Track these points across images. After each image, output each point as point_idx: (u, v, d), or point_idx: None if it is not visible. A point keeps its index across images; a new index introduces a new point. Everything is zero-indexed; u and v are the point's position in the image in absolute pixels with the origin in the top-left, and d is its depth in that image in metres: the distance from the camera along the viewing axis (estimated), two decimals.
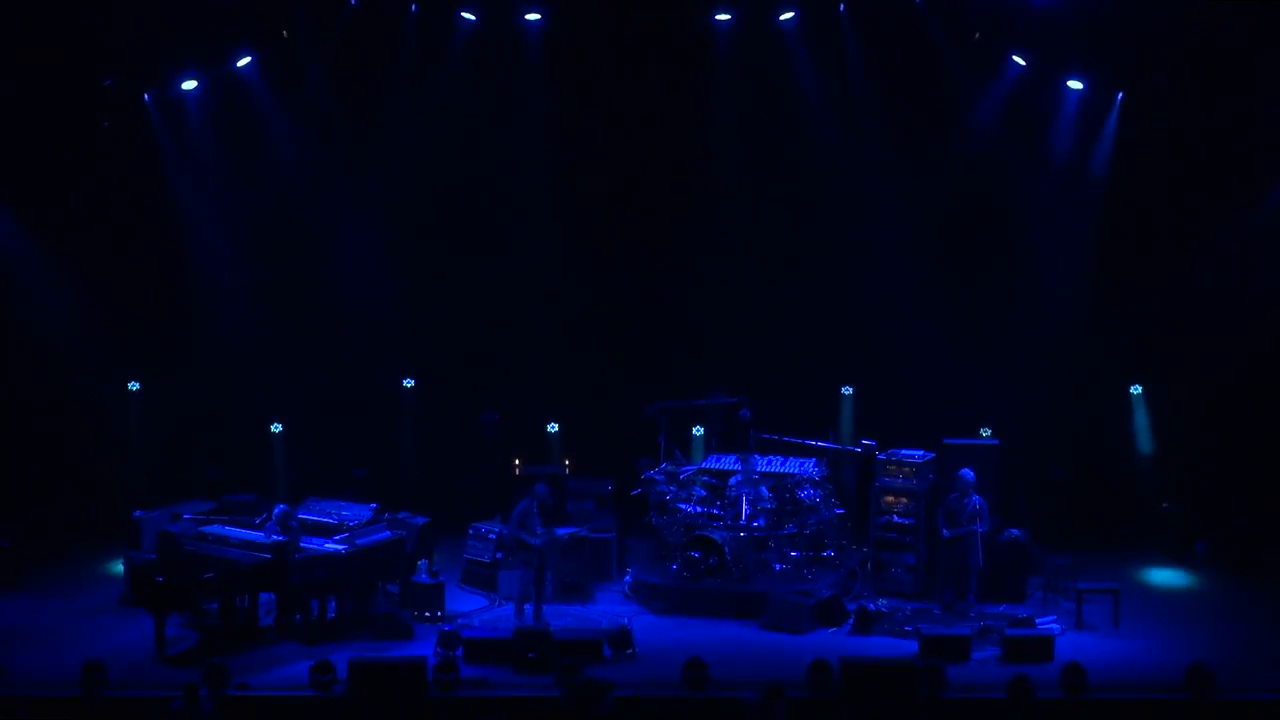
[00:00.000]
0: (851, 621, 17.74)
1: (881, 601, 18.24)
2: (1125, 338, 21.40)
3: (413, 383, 22.91)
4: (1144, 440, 21.80)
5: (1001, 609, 18.02)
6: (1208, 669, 14.17)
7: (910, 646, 16.74)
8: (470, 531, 19.46)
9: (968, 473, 18.30)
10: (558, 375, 22.33)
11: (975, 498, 18.18)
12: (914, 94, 21.69)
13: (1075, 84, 21.22)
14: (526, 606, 17.94)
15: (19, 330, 21.43)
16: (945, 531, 18.18)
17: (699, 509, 19.31)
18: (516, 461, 21.87)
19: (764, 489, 19.22)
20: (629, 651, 16.64)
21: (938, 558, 18.65)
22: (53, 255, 21.38)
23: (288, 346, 22.18)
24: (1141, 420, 21.82)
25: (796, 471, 19.63)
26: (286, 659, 16.44)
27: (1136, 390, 21.82)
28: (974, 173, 21.68)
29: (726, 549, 18.61)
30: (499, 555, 18.90)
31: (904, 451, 19.54)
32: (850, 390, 22.38)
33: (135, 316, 21.79)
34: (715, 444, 21.20)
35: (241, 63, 21.45)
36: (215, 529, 17.84)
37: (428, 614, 17.81)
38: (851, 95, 21.87)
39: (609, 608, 18.54)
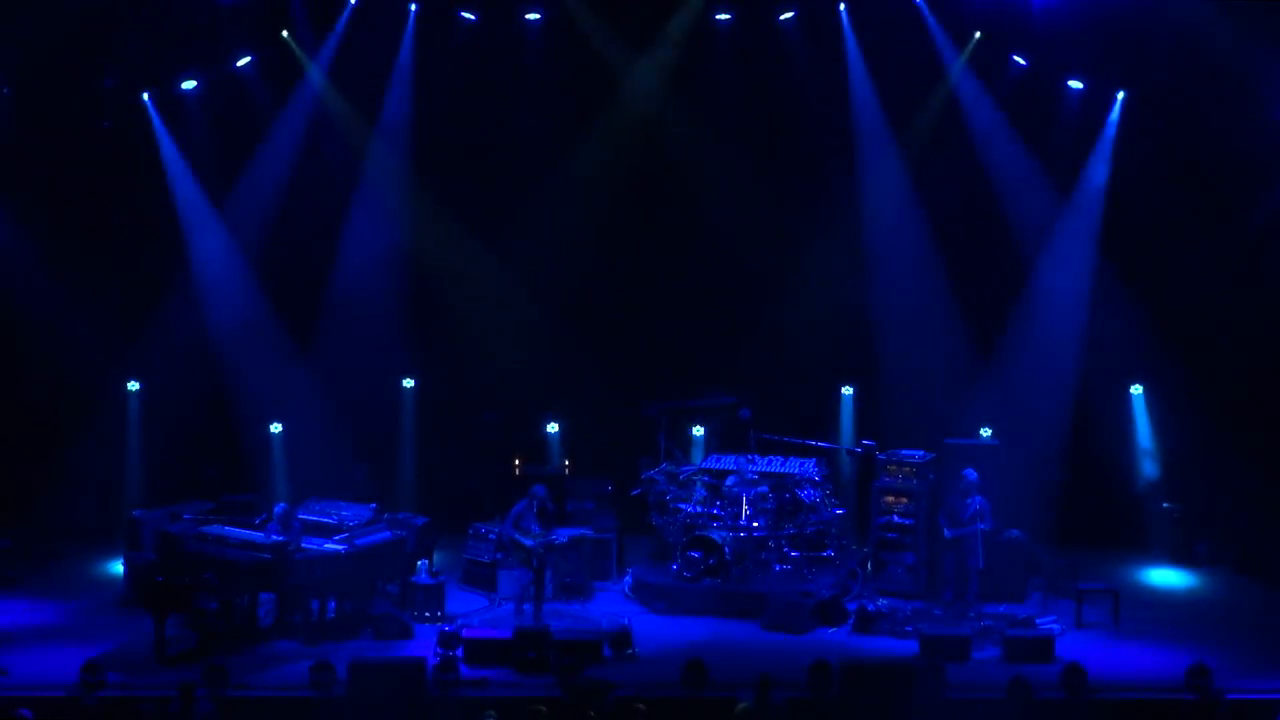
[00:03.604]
0: (851, 621, 17.74)
1: (881, 601, 18.24)
2: (1125, 338, 21.39)
3: (413, 383, 22.91)
4: (1145, 440, 21.80)
5: (1001, 609, 18.01)
6: (1208, 669, 14.20)
7: (910, 646, 16.74)
8: (470, 531, 19.46)
9: (971, 473, 18.30)
10: (558, 375, 22.31)
11: (977, 498, 18.18)
12: (914, 93, 21.69)
13: (1075, 84, 21.22)
14: (526, 606, 17.94)
15: (19, 330, 21.40)
16: (947, 532, 18.19)
17: (699, 509, 19.30)
18: (516, 461, 21.87)
19: (763, 488, 19.21)
20: (629, 651, 16.63)
21: (939, 558, 18.65)
22: (53, 255, 21.36)
23: (288, 346, 22.17)
24: (1142, 420, 21.82)
25: (796, 471, 19.63)
26: (286, 659, 16.43)
27: (1137, 390, 21.82)
28: (974, 172, 21.66)
29: (726, 549, 18.61)
30: (499, 555, 18.89)
31: (904, 451, 19.53)
32: (850, 390, 22.38)
33: (135, 316, 21.77)
34: (715, 444, 21.20)
35: (241, 63, 21.45)
36: (215, 529, 17.82)
37: (428, 614, 17.79)
38: (851, 95, 21.84)
39: (609, 608, 18.53)
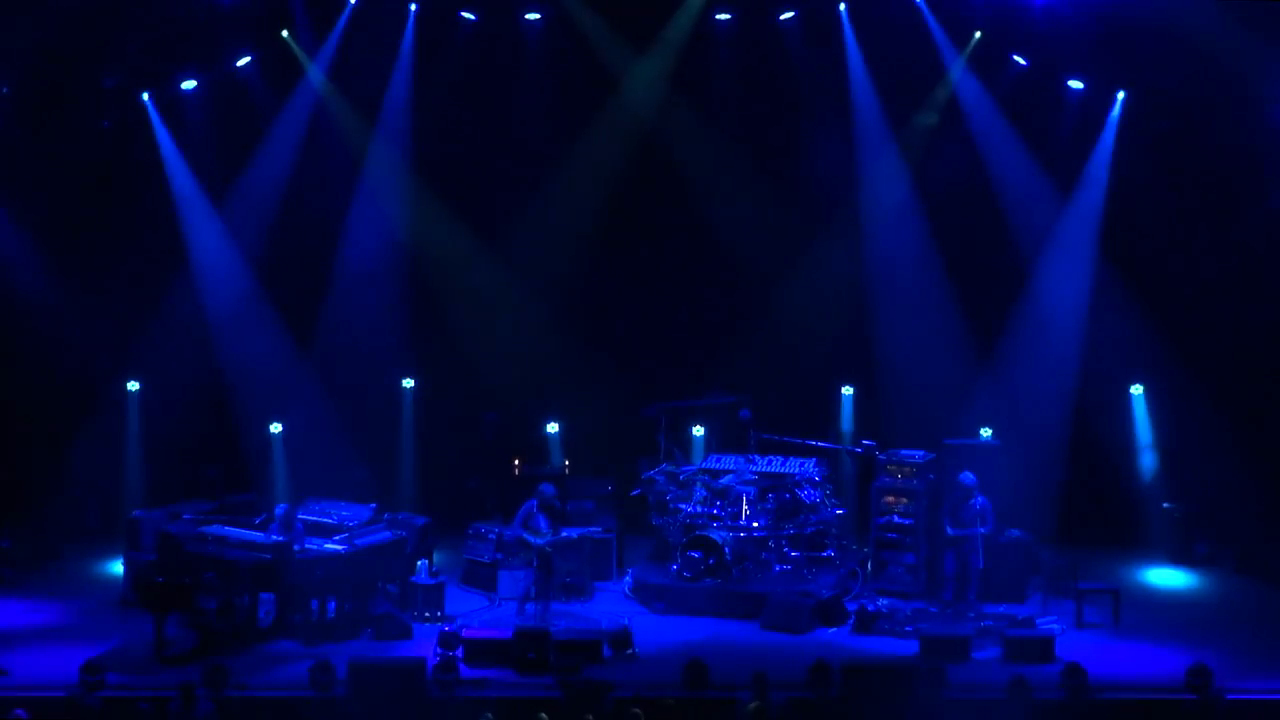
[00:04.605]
0: (852, 621, 17.74)
1: (881, 601, 18.24)
2: (1125, 338, 21.39)
3: (413, 383, 22.90)
4: (1145, 440, 21.80)
5: (1001, 609, 18.00)
6: (1208, 669, 14.21)
7: (910, 646, 16.74)
8: (470, 531, 19.47)
9: (967, 476, 18.29)
10: (558, 375, 22.31)
11: (980, 499, 18.18)
12: (914, 93, 21.71)
13: (1075, 84, 21.22)
14: (528, 605, 17.86)
15: (19, 330, 21.39)
16: (950, 530, 18.20)
17: (699, 509, 19.30)
18: (516, 461, 21.86)
19: (763, 486, 19.22)
20: (629, 651, 16.63)
21: (939, 557, 18.65)
22: (53, 255, 21.36)
23: (288, 346, 22.17)
24: (1142, 420, 21.82)
25: (796, 472, 19.63)
26: (286, 659, 16.43)
27: (1137, 390, 21.80)
28: (974, 171, 21.66)
29: (726, 549, 18.60)
30: (499, 555, 18.90)
31: (904, 451, 19.52)
32: (850, 390, 22.37)
33: (135, 316, 21.77)
34: (715, 444, 21.19)
35: (241, 63, 21.44)
36: (215, 529, 17.83)
37: (428, 614, 17.79)
38: (851, 95, 21.85)
39: (609, 608, 18.52)
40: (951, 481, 18.52)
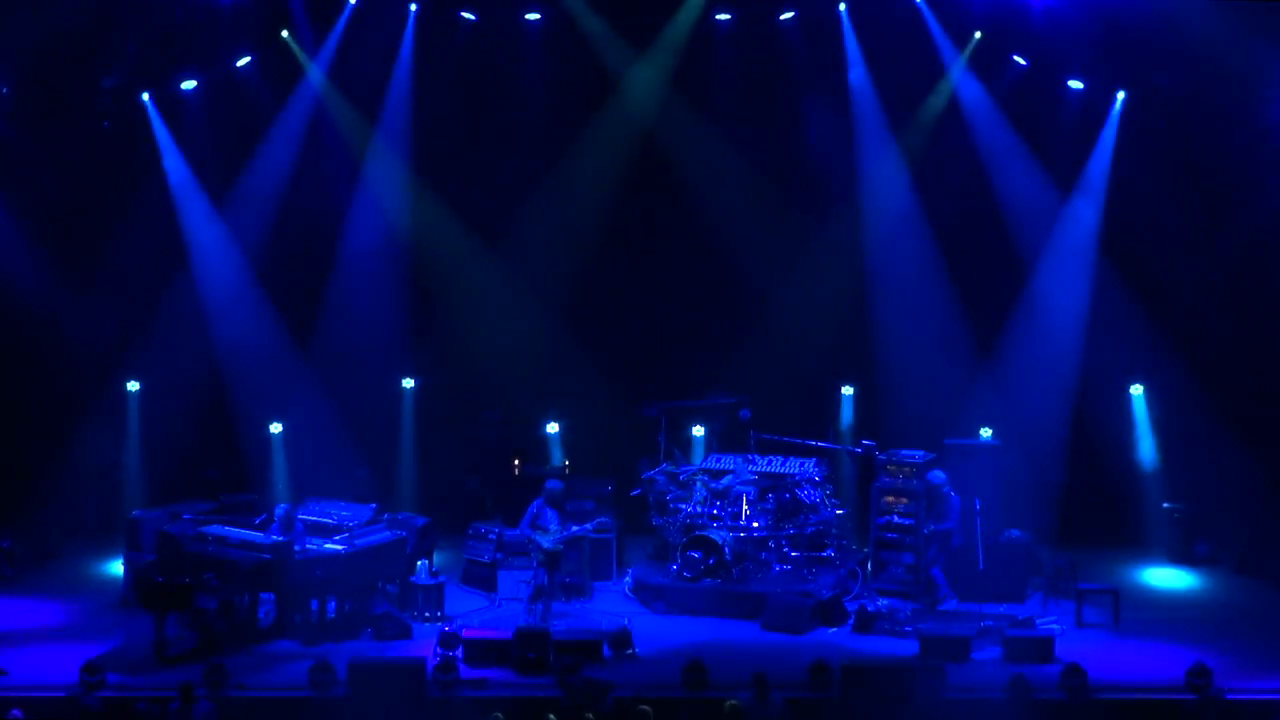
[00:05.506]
0: (851, 621, 17.74)
1: (881, 601, 18.25)
2: (1125, 338, 21.39)
3: (413, 383, 22.91)
4: (1145, 440, 21.80)
5: (1002, 609, 18.00)
6: (1208, 669, 14.22)
7: (910, 646, 16.74)
8: (470, 531, 19.46)
9: (935, 475, 18.36)
10: (558, 375, 22.31)
11: (952, 495, 18.20)
12: (914, 93, 21.72)
13: (1075, 84, 21.24)
14: (536, 605, 17.76)
15: (20, 330, 21.40)
16: (924, 528, 18.27)
17: (699, 509, 19.30)
18: (516, 461, 21.86)
19: (755, 490, 19.22)
20: (629, 651, 16.62)
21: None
22: (53, 255, 21.36)
23: (288, 346, 22.17)
24: (1142, 421, 21.82)
25: (796, 472, 19.64)
26: (286, 659, 16.42)
27: (1137, 390, 21.81)
28: (974, 172, 21.67)
29: (726, 549, 18.60)
30: (499, 555, 18.87)
31: (904, 451, 19.51)
32: (850, 390, 22.38)
33: (135, 316, 21.77)
34: (715, 444, 21.21)
35: (241, 63, 21.46)
36: (215, 529, 17.81)
37: (428, 614, 17.79)
38: (851, 95, 21.86)
39: (609, 608, 18.52)
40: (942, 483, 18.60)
